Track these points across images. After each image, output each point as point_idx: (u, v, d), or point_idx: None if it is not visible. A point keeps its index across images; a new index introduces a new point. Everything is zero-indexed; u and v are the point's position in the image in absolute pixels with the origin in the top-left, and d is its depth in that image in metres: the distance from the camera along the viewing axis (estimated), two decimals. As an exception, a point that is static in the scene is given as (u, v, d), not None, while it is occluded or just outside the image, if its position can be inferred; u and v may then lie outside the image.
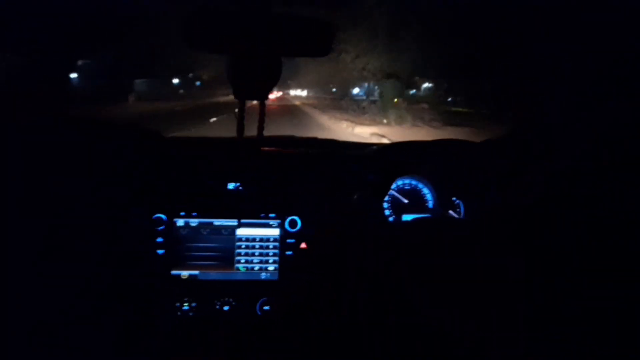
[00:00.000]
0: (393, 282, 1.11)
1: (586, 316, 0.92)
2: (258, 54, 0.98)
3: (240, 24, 0.95)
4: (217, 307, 1.18)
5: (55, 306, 1.06)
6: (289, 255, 1.21)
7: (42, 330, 1.04)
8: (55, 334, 1.06)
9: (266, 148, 1.31)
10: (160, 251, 1.17)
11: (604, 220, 0.89)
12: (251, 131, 1.28)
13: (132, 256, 1.16)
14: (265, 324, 1.19)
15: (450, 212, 1.32)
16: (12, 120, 1.06)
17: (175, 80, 26.16)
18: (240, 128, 1.12)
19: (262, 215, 1.21)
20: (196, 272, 1.18)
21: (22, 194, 1.06)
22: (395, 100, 11.94)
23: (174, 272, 1.18)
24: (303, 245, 1.21)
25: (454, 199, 1.32)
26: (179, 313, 1.17)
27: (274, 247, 1.21)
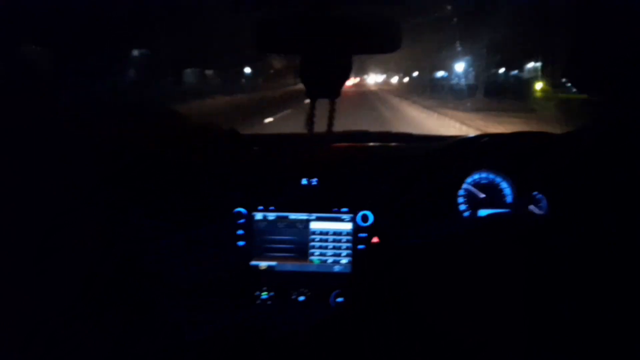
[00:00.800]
0: (464, 280, 1.09)
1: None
2: (327, 53, 1.00)
3: (308, 25, 0.98)
4: (293, 297, 1.23)
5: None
6: (361, 249, 1.23)
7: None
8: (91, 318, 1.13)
9: (338, 144, 1.34)
10: (240, 243, 1.25)
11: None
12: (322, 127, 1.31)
13: (216, 248, 1.26)
14: (338, 315, 1.22)
15: (532, 207, 1.25)
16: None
17: (247, 70, 24.60)
18: (311, 125, 1.16)
19: (335, 209, 1.24)
20: (274, 263, 1.25)
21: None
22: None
23: (253, 262, 1.25)
24: (375, 239, 1.22)
25: (535, 193, 1.25)
26: (258, 302, 1.24)
27: (347, 241, 1.24)
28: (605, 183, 1.10)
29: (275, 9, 1.05)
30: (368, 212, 1.23)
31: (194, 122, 1.31)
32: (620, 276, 0.89)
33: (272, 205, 1.26)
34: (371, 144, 1.42)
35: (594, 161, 1.16)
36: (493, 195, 1.28)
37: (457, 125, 9.37)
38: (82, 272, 1.17)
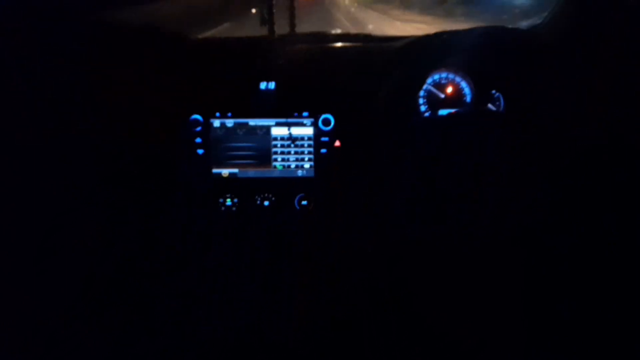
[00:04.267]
0: (426, 181, 1.12)
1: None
2: None
3: None
4: (258, 202, 1.24)
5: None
6: (323, 153, 1.23)
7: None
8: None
9: (297, 46, 1.27)
10: (199, 151, 1.21)
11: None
12: (282, 29, 1.23)
13: (174, 158, 1.22)
14: (303, 217, 1.26)
15: (490, 105, 1.28)
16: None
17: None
18: (271, 25, 1.08)
19: (296, 114, 1.22)
20: (235, 170, 1.23)
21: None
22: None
23: (215, 170, 1.23)
24: (337, 143, 1.22)
25: (493, 92, 1.26)
26: (222, 208, 1.24)
27: (309, 146, 1.23)
28: (561, 82, 1.12)
29: None
30: (329, 116, 1.21)
31: (141, 27, 1.20)
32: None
33: (229, 112, 1.21)
34: (330, 45, 1.35)
35: (550, 59, 1.17)
36: (453, 95, 1.28)
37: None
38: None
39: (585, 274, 0.97)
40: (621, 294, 0.90)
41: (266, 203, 1.25)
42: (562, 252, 1.01)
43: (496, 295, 1.11)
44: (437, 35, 1.28)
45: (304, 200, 1.25)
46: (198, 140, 1.21)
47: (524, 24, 1.34)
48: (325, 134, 1.22)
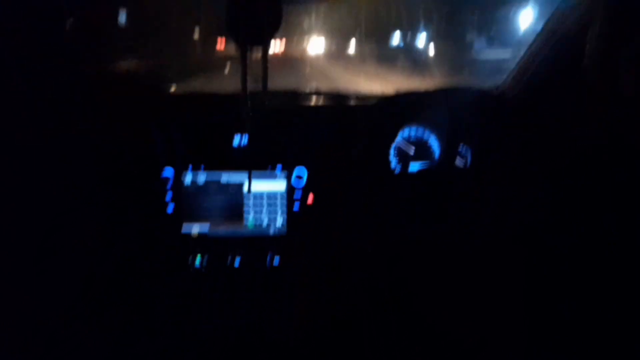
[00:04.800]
0: (397, 235, 1.12)
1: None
2: None
3: None
4: (228, 262, 1.20)
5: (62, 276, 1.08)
6: (296, 209, 1.22)
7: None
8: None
9: (271, 101, 1.28)
10: (170, 208, 1.18)
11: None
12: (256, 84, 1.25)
13: (143, 213, 1.18)
14: (274, 276, 1.22)
15: (457, 161, 1.31)
16: None
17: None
18: (244, 80, 1.09)
19: (270, 167, 1.21)
20: (206, 228, 1.20)
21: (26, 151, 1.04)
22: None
23: (184, 228, 1.19)
24: (310, 199, 1.22)
25: (460, 148, 1.30)
26: (191, 269, 1.19)
27: (282, 202, 1.22)
28: (524, 139, 1.17)
29: None
30: (303, 170, 1.21)
31: (119, 79, 1.20)
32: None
33: (201, 165, 1.19)
34: (304, 101, 1.38)
35: (514, 117, 1.23)
36: (422, 151, 1.31)
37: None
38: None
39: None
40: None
41: (237, 262, 1.20)
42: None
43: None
44: (406, 93, 1.33)
45: (276, 258, 1.21)
46: (168, 194, 1.18)
47: (486, 84, 1.41)
48: (298, 189, 1.22)
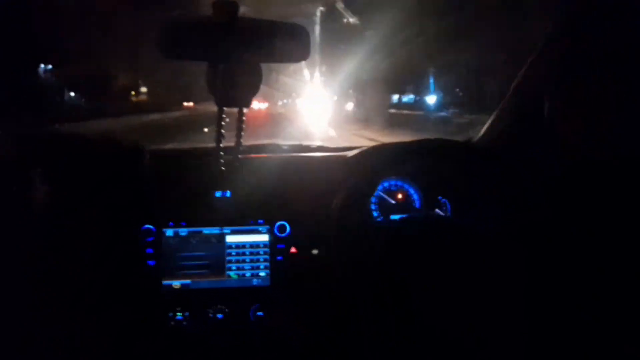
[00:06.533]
0: (381, 283, 1.13)
1: (586, 316, 0.94)
2: (233, 61, 0.99)
3: (214, 32, 0.96)
4: (211, 315, 1.18)
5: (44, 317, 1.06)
6: (279, 260, 1.22)
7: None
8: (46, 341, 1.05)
9: (249, 155, 1.32)
10: (150, 262, 1.17)
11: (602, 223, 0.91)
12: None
13: (123, 269, 1.16)
14: (259, 330, 1.20)
15: (437, 210, 1.34)
16: None
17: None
18: (219, 136, 1.13)
19: (252, 222, 1.22)
20: (188, 281, 1.19)
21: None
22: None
23: (165, 282, 1.18)
24: (293, 249, 1.22)
25: (439, 197, 1.34)
26: (172, 323, 1.17)
27: (265, 253, 1.22)
28: (499, 186, 1.22)
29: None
30: (285, 223, 1.23)
31: (96, 138, 1.22)
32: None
33: (183, 221, 1.20)
34: (284, 155, 1.42)
35: (487, 168, 1.28)
36: (403, 201, 1.34)
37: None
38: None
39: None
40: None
41: (220, 315, 1.18)
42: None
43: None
44: (386, 145, 1.38)
45: (260, 311, 1.20)
46: (149, 250, 1.17)
47: (461, 136, 1.48)
48: (281, 240, 1.22)
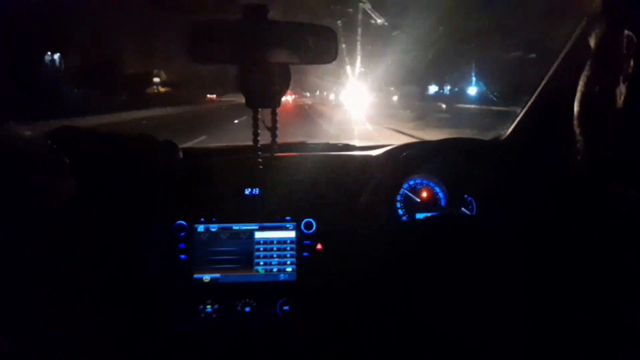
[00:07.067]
0: (405, 281, 1.14)
1: (586, 317, 0.93)
2: (264, 63, 1.01)
3: (244, 35, 0.99)
4: (239, 308, 1.22)
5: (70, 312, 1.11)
6: (305, 256, 1.24)
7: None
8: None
9: (280, 154, 1.35)
10: (182, 256, 1.22)
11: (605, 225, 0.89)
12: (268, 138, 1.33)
13: (157, 262, 1.22)
14: (285, 323, 1.23)
15: (463, 209, 1.34)
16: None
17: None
18: (255, 135, 1.17)
19: (279, 218, 1.25)
20: (217, 275, 1.23)
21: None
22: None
23: (196, 275, 1.22)
24: (319, 246, 1.25)
25: (465, 196, 1.34)
26: (202, 315, 1.21)
27: (291, 249, 1.25)
28: (524, 186, 1.21)
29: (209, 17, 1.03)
30: (311, 220, 1.25)
31: (130, 135, 1.27)
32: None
33: (214, 217, 1.24)
34: (312, 153, 1.45)
35: (514, 166, 1.27)
36: (428, 199, 1.35)
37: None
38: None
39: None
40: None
41: (247, 309, 1.22)
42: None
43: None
44: (412, 144, 1.39)
45: (286, 305, 1.23)
46: (181, 245, 1.22)
47: (489, 135, 1.47)
48: (307, 237, 1.25)
